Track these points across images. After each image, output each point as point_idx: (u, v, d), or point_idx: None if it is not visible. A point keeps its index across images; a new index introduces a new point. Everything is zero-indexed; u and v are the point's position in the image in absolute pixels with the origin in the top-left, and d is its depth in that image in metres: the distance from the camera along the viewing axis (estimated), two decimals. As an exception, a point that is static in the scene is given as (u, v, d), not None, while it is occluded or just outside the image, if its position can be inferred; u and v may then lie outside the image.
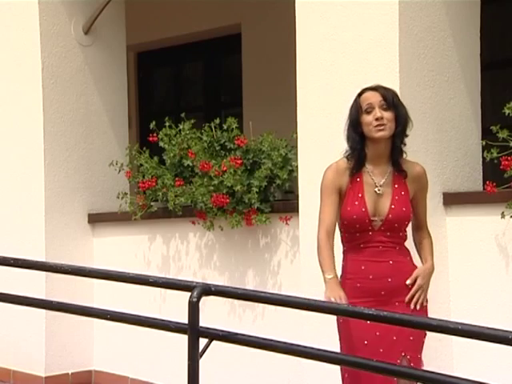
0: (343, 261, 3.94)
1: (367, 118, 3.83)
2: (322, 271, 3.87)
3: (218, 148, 5.71)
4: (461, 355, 4.68)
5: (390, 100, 3.84)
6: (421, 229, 4.06)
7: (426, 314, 3.97)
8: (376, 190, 3.85)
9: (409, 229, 4.09)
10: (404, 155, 3.96)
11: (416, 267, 3.97)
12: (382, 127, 3.80)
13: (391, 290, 3.81)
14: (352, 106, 3.93)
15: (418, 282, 3.87)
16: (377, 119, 3.80)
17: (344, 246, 3.96)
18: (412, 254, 4.06)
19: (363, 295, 3.80)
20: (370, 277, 3.81)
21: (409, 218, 3.90)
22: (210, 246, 5.89)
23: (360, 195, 3.85)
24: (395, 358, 3.74)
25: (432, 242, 4.09)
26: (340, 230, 3.97)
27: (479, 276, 4.66)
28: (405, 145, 3.93)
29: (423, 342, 3.90)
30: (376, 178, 3.87)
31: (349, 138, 3.91)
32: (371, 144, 3.87)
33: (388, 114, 3.82)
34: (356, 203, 3.84)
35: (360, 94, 3.92)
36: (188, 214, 5.81)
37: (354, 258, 3.87)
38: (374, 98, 3.85)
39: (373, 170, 3.88)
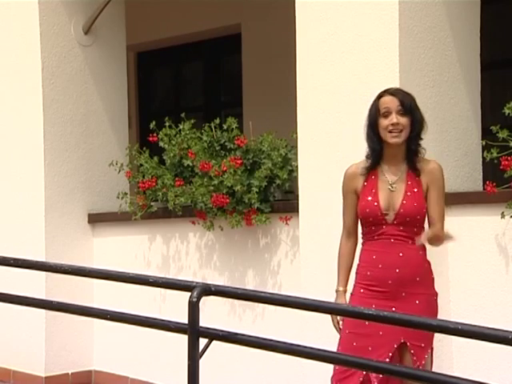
0: (360, 251, 4.18)
1: (384, 122, 4.02)
2: (337, 279, 4.22)
3: (218, 148, 5.71)
4: (461, 355, 4.68)
5: (408, 106, 4.02)
6: (431, 227, 4.10)
7: (433, 307, 4.06)
8: (389, 187, 4.06)
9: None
10: (423, 153, 4.12)
11: (427, 263, 4.09)
12: (395, 134, 4.00)
13: (398, 280, 3.99)
14: (371, 108, 4.11)
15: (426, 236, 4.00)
16: (392, 124, 3.99)
17: (362, 238, 4.18)
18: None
19: (372, 283, 4.03)
20: (380, 266, 4.02)
21: (421, 213, 4.04)
22: (210, 246, 5.89)
23: (374, 191, 4.07)
24: (393, 342, 3.95)
25: (439, 238, 4.09)
26: (361, 224, 4.21)
27: (479, 276, 4.66)
28: (420, 146, 4.10)
29: (430, 334, 3.99)
30: (390, 175, 4.09)
31: (368, 137, 4.11)
32: (386, 146, 4.07)
33: (404, 120, 4.01)
34: (369, 198, 4.07)
35: (380, 97, 4.09)
36: (188, 214, 5.81)
37: (368, 249, 4.10)
38: (392, 102, 4.02)
39: (387, 168, 4.10)
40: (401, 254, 4.00)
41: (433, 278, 4.11)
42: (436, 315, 4.06)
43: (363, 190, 4.10)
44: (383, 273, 4.00)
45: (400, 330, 3.86)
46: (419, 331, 3.87)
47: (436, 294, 4.10)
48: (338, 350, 4.04)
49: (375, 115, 4.05)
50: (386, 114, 4.01)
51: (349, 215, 4.18)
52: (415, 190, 4.04)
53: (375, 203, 4.04)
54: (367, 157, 4.13)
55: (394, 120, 3.98)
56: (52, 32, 6.52)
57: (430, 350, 4.04)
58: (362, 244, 4.17)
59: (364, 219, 4.10)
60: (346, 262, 4.19)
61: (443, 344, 4.62)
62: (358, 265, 4.15)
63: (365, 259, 4.10)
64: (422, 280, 4.02)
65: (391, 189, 4.05)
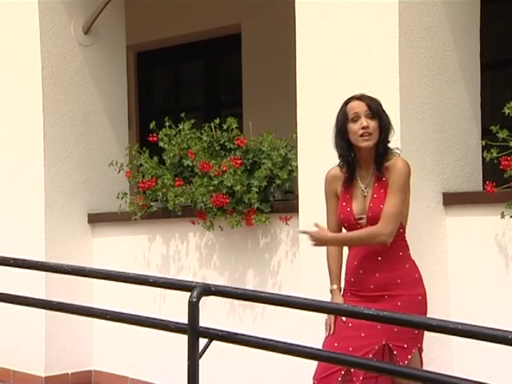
0: (346, 257, 4.20)
1: (353, 127, 4.03)
2: (329, 279, 4.22)
3: (217, 148, 5.71)
4: (461, 355, 4.68)
5: (375, 109, 4.04)
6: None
7: (417, 307, 4.01)
8: (362, 192, 4.09)
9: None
10: (396, 154, 4.07)
11: (409, 263, 4.06)
12: (367, 137, 4.00)
13: (379, 284, 4.02)
14: (338, 114, 4.11)
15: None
16: (363, 128, 4.00)
17: None
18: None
19: (356, 288, 4.08)
20: (360, 271, 4.07)
21: None
22: (210, 246, 5.89)
23: (348, 197, 4.11)
24: (374, 344, 3.95)
25: (365, 237, 4.00)
26: None
27: (479, 276, 4.66)
28: (389, 148, 4.06)
29: (413, 335, 3.97)
30: (362, 180, 4.10)
31: (337, 146, 4.12)
32: (357, 151, 4.08)
33: (373, 123, 4.02)
34: (344, 204, 4.12)
35: (346, 103, 4.09)
36: (188, 214, 5.81)
37: (350, 255, 4.16)
38: (360, 107, 4.04)
39: (360, 173, 4.11)
40: (379, 258, 4.01)
41: (416, 278, 4.06)
42: (423, 315, 4.00)
43: (341, 195, 4.13)
44: (364, 278, 4.03)
45: (382, 332, 3.92)
46: (401, 332, 3.91)
47: (422, 294, 4.04)
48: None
49: (343, 122, 4.05)
50: (355, 119, 4.00)
51: (332, 218, 4.19)
52: (381, 190, 4.03)
53: (348, 209, 4.07)
54: (340, 165, 4.13)
55: (364, 123, 3.98)
56: (52, 32, 6.52)
57: (415, 351, 4.01)
58: (348, 249, 4.19)
59: (342, 225, 4.14)
60: (336, 261, 4.19)
61: (443, 344, 4.62)
62: (345, 271, 4.18)
63: (348, 266, 4.14)
64: (403, 281, 4.01)
65: (363, 193, 4.07)
